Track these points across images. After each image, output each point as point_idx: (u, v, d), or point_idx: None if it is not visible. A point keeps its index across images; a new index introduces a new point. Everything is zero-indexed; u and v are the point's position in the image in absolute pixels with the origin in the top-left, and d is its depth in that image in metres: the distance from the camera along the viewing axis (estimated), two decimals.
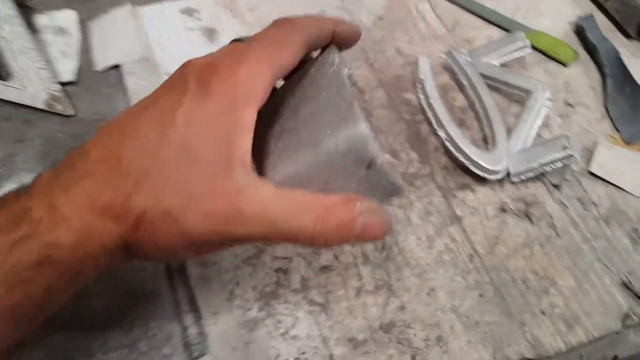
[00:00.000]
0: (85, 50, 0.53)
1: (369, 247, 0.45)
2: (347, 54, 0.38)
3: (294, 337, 0.41)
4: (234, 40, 0.35)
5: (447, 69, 0.57)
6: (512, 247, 0.46)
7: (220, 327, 0.41)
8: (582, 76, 0.58)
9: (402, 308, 0.43)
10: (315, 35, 0.34)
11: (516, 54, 0.56)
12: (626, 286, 0.45)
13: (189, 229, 0.29)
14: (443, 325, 0.42)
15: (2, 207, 0.28)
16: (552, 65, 0.58)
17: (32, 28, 0.52)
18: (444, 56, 0.56)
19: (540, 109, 0.52)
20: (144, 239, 0.29)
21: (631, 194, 0.50)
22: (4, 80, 0.48)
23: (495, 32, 0.60)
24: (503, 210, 0.48)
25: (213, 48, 0.55)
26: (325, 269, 0.44)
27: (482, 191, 0.49)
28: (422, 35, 0.59)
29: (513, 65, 0.57)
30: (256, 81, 0.30)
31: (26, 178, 0.46)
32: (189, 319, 0.41)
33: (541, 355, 0.42)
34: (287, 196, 0.30)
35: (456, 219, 0.47)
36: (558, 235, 0.47)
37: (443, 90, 0.55)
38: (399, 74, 0.56)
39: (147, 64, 0.53)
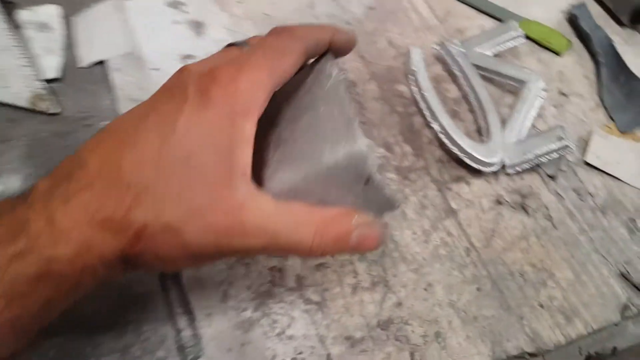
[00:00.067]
0: (69, 46, 0.52)
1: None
2: None
3: (290, 337, 0.40)
4: (229, 45, 0.34)
5: (440, 60, 0.56)
6: (508, 239, 0.46)
7: (214, 328, 0.40)
8: (575, 65, 0.57)
9: (399, 304, 0.42)
10: (313, 44, 0.34)
11: (509, 44, 0.55)
12: (624, 277, 0.45)
13: (190, 242, 0.29)
14: (441, 320, 0.42)
15: None
16: (546, 55, 0.58)
17: (13, 24, 0.51)
18: (436, 47, 0.55)
19: (534, 99, 0.51)
20: (144, 252, 0.29)
21: (627, 183, 0.50)
22: None
23: (488, 22, 0.60)
24: (499, 202, 0.48)
25: (200, 42, 0.54)
26: (320, 266, 0.43)
27: (477, 184, 0.49)
28: (414, 26, 0.58)
29: (506, 55, 0.57)
30: (256, 91, 0.30)
31: (11, 179, 0.44)
32: (182, 321, 0.40)
33: (540, 348, 0.41)
34: (287, 209, 0.30)
35: (452, 213, 0.47)
36: (554, 227, 0.47)
37: (436, 82, 0.54)
38: (391, 65, 0.55)
39: (133, 59, 0.52)
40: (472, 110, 0.53)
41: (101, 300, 0.41)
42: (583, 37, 0.59)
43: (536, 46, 0.58)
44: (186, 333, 0.40)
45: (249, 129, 0.29)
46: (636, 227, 0.48)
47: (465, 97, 0.53)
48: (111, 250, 0.28)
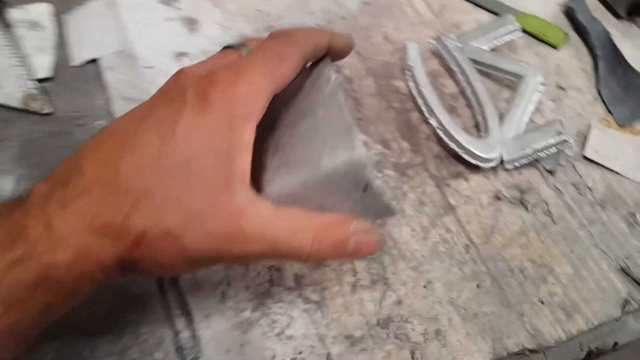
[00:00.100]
0: (61, 44, 0.51)
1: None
2: None
3: (290, 337, 0.40)
4: (226, 47, 0.34)
5: (436, 55, 0.55)
6: (508, 235, 0.45)
7: (213, 329, 0.40)
8: (573, 59, 0.57)
9: (399, 302, 0.42)
10: (312, 48, 0.34)
11: (506, 38, 0.55)
12: (624, 271, 0.45)
13: (189, 248, 0.28)
14: (441, 318, 0.42)
15: None
16: (543, 48, 0.57)
17: (4, 23, 0.50)
18: (432, 42, 0.55)
19: (532, 94, 0.51)
20: (143, 258, 0.28)
21: (626, 177, 0.50)
22: None
23: (484, 16, 0.59)
24: (497, 198, 0.47)
25: (194, 39, 0.54)
26: (319, 265, 0.43)
27: (475, 179, 0.48)
28: (410, 20, 0.58)
29: (503, 49, 0.56)
30: (256, 96, 0.30)
31: (4, 180, 0.44)
32: (180, 323, 0.40)
33: (541, 345, 0.41)
34: (286, 215, 0.30)
35: (450, 209, 0.46)
36: (554, 222, 0.47)
37: (432, 77, 0.53)
38: (387, 61, 0.55)
39: (126, 57, 0.51)
40: (469, 106, 0.52)
41: (98, 303, 0.40)
42: (580, 30, 0.58)
43: (533, 40, 0.58)
44: (184, 334, 0.40)
45: (248, 134, 0.29)
46: (636, 221, 0.48)
47: (462, 92, 0.53)
48: (109, 256, 0.28)
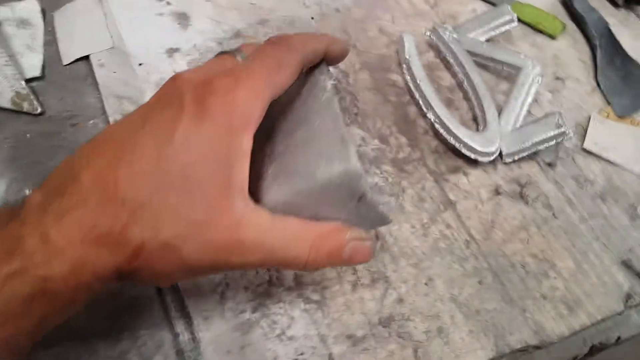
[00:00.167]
0: (50, 42, 0.50)
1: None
2: None
3: (291, 338, 0.39)
4: (221, 53, 0.34)
5: (432, 47, 0.55)
6: (508, 230, 0.45)
7: (213, 331, 0.39)
8: (570, 49, 0.56)
9: (400, 300, 0.41)
10: (310, 55, 0.33)
11: (503, 28, 0.54)
12: (626, 265, 0.44)
13: (188, 258, 0.28)
14: (443, 315, 0.41)
15: None
16: (540, 39, 0.57)
17: None
18: (428, 34, 0.54)
19: (531, 86, 0.50)
20: (141, 268, 0.28)
21: (626, 169, 0.49)
22: None
23: (480, 6, 0.58)
24: (497, 192, 0.47)
25: (186, 34, 0.53)
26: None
27: (474, 174, 0.48)
28: (405, 12, 0.57)
29: (499, 40, 0.56)
30: (254, 103, 0.29)
31: None
32: (179, 325, 0.39)
33: (544, 341, 0.41)
34: (284, 225, 0.30)
35: (450, 205, 0.46)
36: (554, 216, 0.46)
37: (429, 70, 0.53)
38: (382, 54, 0.54)
39: (117, 54, 0.50)
40: (467, 98, 0.52)
41: (95, 306, 0.39)
42: (577, 19, 0.58)
43: (530, 30, 0.57)
44: (184, 337, 0.39)
45: (246, 142, 0.29)
46: (636, 213, 0.47)
47: (459, 84, 0.52)
48: (107, 267, 0.27)
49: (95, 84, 0.49)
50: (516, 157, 0.48)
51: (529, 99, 0.50)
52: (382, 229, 0.44)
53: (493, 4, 0.58)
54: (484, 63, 0.53)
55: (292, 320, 0.40)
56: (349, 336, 0.40)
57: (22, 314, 0.26)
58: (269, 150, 0.34)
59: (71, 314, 0.29)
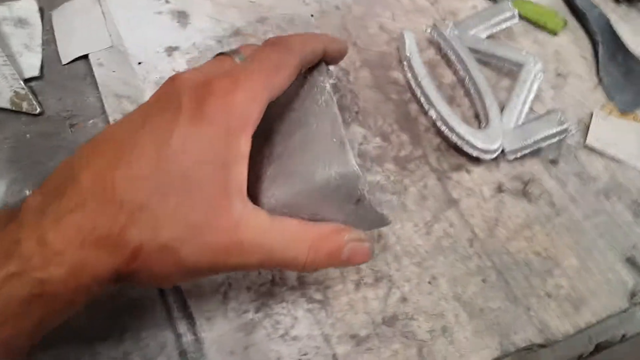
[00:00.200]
0: (49, 42, 0.50)
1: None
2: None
3: (295, 338, 0.39)
4: (220, 54, 0.34)
5: (433, 44, 0.54)
6: (512, 228, 0.45)
7: (216, 332, 0.39)
8: (572, 45, 0.56)
9: (404, 299, 0.41)
10: (309, 56, 0.33)
11: (504, 25, 0.54)
12: (630, 262, 0.44)
13: (186, 260, 0.28)
14: (447, 314, 0.41)
15: None
16: (541, 35, 0.56)
17: None
18: (429, 30, 0.54)
19: (532, 82, 0.50)
20: (139, 270, 0.28)
21: (630, 165, 0.49)
22: None
23: (480, 2, 0.58)
24: (500, 190, 0.47)
25: (185, 33, 0.52)
26: None
27: (477, 171, 0.47)
28: (405, 8, 0.57)
29: (500, 36, 0.55)
30: (252, 105, 0.29)
31: None
32: (182, 326, 0.39)
33: (549, 339, 0.41)
34: (283, 226, 0.30)
35: (453, 203, 0.46)
36: (558, 214, 0.46)
37: (430, 67, 0.52)
38: (383, 51, 0.53)
39: (116, 52, 0.50)
40: (468, 96, 0.51)
41: (96, 307, 0.39)
42: (579, 15, 0.57)
43: (531, 26, 0.57)
44: (187, 338, 0.39)
45: (244, 144, 0.29)
46: None
47: (461, 81, 0.52)
48: (105, 269, 0.27)
49: (94, 83, 0.48)
50: (519, 155, 0.47)
51: (531, 96, 0.50)
52: (385, 228, 0.44)
53: (494, 0, 0.58)
54: (485, 60, 0.52)
55: (296, 320, 0.40)
56: (353, 336, 0.40)
57: (21, 315, 0.26)
58: (267, 152, 0.34)
59: (70, 315, 0.29)
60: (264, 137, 0.34)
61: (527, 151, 0.47)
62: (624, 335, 0.42)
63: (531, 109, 0.50)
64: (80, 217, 0.27)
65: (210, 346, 0.38)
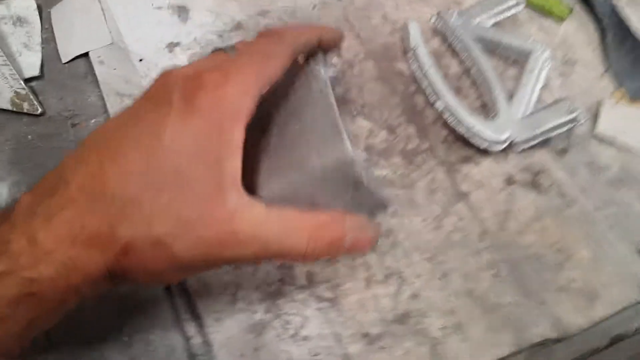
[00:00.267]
0: (48, 40, 0.49)
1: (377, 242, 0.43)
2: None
3: (305, 338, 0.39)
4: (216, 50, 0.33)
5: (438, 33, 0.53)
6: (522, 221, 0.44)
7: (225, 333, 0.39)
8: (578, 32, 0.55)
9: (415, 296, 0.41)
10: (302, 46, 0.33)
11: (509, 13, 0.53)
12: None
13: (179, 256, 0.28)
14: (459, 311, 0.40)
15: None
16: (547, 22, 0.55)
17: None
18: (433, 20, 0.53)
19: (541, 71, 0.49)
20: (132, 267, 0.28)
21: None
22: None
23: None
24: (510, 182, 0.46)
25: (186, 28, 0.51)
26: (330, 261, 0.41)
27: (485, 163, 0.47)
28: None
29: (506, 24, 0.54)
30: (244, 96, 0.29)
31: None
32: (191, 328, 0.39)
33: (564, 334, 0.40)
34: (279, 216, 0.30)
35: (462, 196, 0.45)
36: (569, 205, 0.45)
37: (435, 57, 0.51)
38: (387, 42, 0.52)
39: (117, 50, 0.49)
40: (475, 86, 0.50)
41: (103, 311, 0.39)
42: (585, 1, 0.56)
43: (536, 13, 0.56)
44: (196, 340, 0.39)
45: (238, 135, 0.29)
46: None
47: (467, 72, 0.51)
48: (97, 267, 0.27)
49: (95, 81, 0.48)
50: (528, 145, 0.46)
51: (539, 85, 0.49)
52: (394, 224, 0.43)
53: None
54: (491, 49, 0.51)
55: (306, 319, 0.39)
56: (365, 334, 0.39)
57: (9, 316, 0.26)
58: (264, 144, 0.34)
59: (61, 317, 0.29)
60: (261, 130, 0.34)
61: (536, 141, 0.46)
62: (637, 329, 0.41)
63: (538, 99, 0.49)
64: (70, 215, 0.27)
65: (219, 348, 0.38)
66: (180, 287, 0.40)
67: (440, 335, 0.39)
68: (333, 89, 0.34)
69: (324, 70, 0.34)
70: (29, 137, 0.44)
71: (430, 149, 0.47)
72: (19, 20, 0.48)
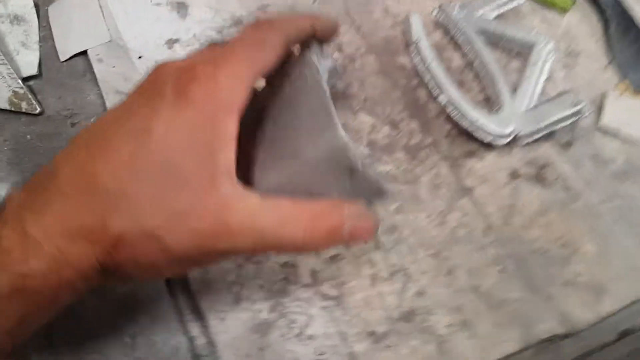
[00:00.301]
0: (46, 38, 0.48)
1: (378, 231, 0.42)
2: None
3: (311, 337, 0.38)
4: (212, 44, 0.33)
5: (440, 26, 0.53)
6: (528, 215, 0.44)
7: (229, 334, 0.38)
8: (582, 23, 0.54)
9: (421, 294, 0.40)
10: (294, 34, 0.33)
11: (511, 5, 0.52)
12: None
13: (172, 248, 0.27)
14: (466, 307, 0.40)
15: None
16: (550, 14, 0.54)
17: None
18: (435, 13, 0.52)
19: (544, 63, 0.48)
20: (123, 260, 0.27)
21: None
22: None
23: None
24: (514, 176, 0.45)
25: (185, 24, 0.51)
26: (334, 258, 0.41)
27: (489, 158, 0.46)
28: None
29: (508, 16, 0.54)
30: (237, 86, 0.29)
31: None
32: (194, 329, 0.38)
33: (572, 329, 0.40)
34: (274, 205, 0.29)
35: (466, 191, 0.44)
36: (574, 199, 0.45)
37: (437, 50, 0.51)
38: (388, 36, 0.52)
39: (115, 47, 0.49)
40: (478, 79, 0.50)
41: (104, 311, 0.39)
42: None
43: (538, 5, 0.55)
44: (200, 341, 0.38)
45: (232, 126, 0.28)
46: None
47: (469, 65, 0.50)
48: (88, 261, 0.27)
49: (94, 79, 0.47)
50: (532, 139, 0.46)
51: (543, 77, 0.48)
52: (398, 220, 0.43)
53: None
54: (494, 41, 0.51)
55: (311, 318, 0.39)
56: (370, 333, 0.39)
57: (2, 311, 0.26)
58: (260, 137, 0.33)
59: (55, 314, 0.29)
60: (258, 124, 0.34)
61: (541, 135, 0.46)
62: None
63: (543, 91, 0.49)
64: (60, 208, 0.27)
65: (224, 349, 0.38)
66: (184, 286, 0.40)
67: (447, 333, 0.39)
68: (333, 81, 0.34)
69: (317, 59, 0.33)
70: (28, 137, 0.44)
71: (434, 144, 0.46)
72: (16, 19, 0.48)
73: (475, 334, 0.39)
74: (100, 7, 0.50)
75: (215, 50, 0.31)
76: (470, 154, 0.46)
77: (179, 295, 0.40)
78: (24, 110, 0.44)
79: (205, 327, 0.38)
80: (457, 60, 0.51)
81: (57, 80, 0.47)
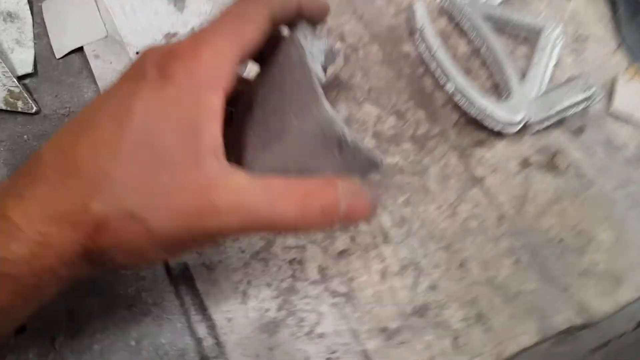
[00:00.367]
0: (41, 35, 0.47)
1: (387, 224, 0.41)
2: (333, 9, 0.35)
3: (321, 335, 0.37)
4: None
5: (445, 13, 0.51)
6: (541, 204, 0.42)
7: (237, 334, 0.37)
8: (589, 6, 0.53)
9: (433, 287, 0.39)
10: (279, 9, 0.32)
11: None
12: None
13: (157, 229, 0.27)
14: (480, 300, 0.39)
15: None
16: None
17: None
18: None
19: (553, 48, 0.47)
20: (107, 245, 0.27)
21: None
22: None
23: None
24: (526, 164, 0.44)
25: (183, 17, 0.49)
26: (343, 253, 0.40)
27: (500, 146, 0.45)
28: None
29: (514, 1, 0.52)
30: (220, 61, 0.28)
31: None
32: (202, 330, 0.37)
33: (590, 320, 0.38)
34: (264, 183, 0.28)
35: (477, 181, 0.43)
36: (587, 186, 0.43)
37: (443, 38, 0.50)
38: (392, 24, 0.51)
39: (112, 43, 0.47)
40: (485, 66, 0.48)
41: (109, 314, 0.38)
42: None
43: None
44: (207, 342, 0.37)
45: (216, 101, 0.28)
46: None
47: (476, 52, 0.49)
48: (71, 246, 0.26)
49: (91, 76, 0.46)
50: (543, 126, 0.45)
51: (552, 62, 0.47)
52: (408, 212, 0.41)
53: None
54: (500, 27, 0.50)
55: (321, 316, 0.38)
56: (383, 329, 0.38)
57: None
58: (250, 121, 0.33)
59: (39, 304, 0.28)
60: (250, 109, 0.33)
61: (551, 121, 0.45)
62: None
63: (551, 77, 0.47)
64: (41, 192, 0.26)
65: (232, 350, 0.37)
66: (189, 287, 0.39)
67: (462, 327, 0.38)
68: (330, 63, 0.34)
69: (307, 39, 0.33)
70: (25, 137, 0.43)
71: (442, 134, 0.45)
72: (9, 16, 0.47)
73: (490, 327, 0.38)
74: (96, 1, 0.49)
75: (199, 30, 0.31)
76: (479, 143, 0.45)
77: (184, 296, 0.38)
78: (19, 109, 0.43)
79: (212, 327, 0.37)
80: (463, 48, 0.50)
81: (53, 78, 0.46)
